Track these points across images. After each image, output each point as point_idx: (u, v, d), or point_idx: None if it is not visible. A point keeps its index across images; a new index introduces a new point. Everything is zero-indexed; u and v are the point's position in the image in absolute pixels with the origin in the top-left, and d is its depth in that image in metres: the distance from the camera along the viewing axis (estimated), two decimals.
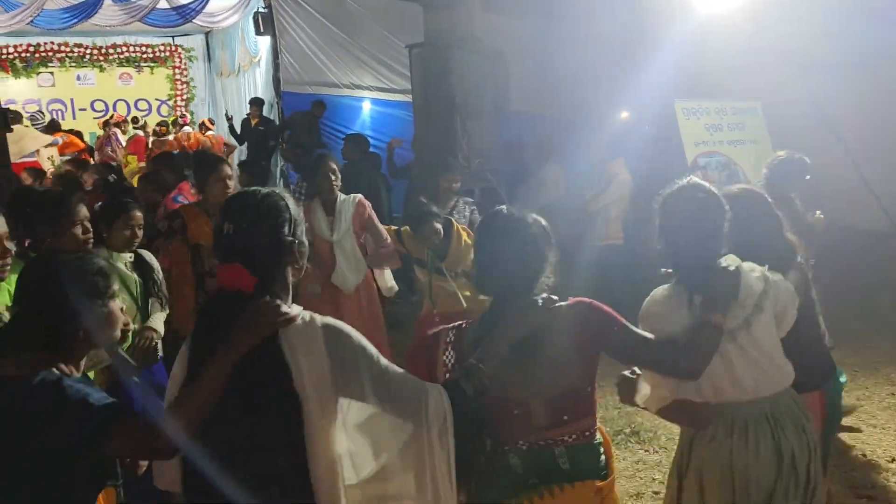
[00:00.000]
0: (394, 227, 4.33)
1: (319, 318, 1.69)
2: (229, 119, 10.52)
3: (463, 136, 6.75)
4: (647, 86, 6.08)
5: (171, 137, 11.54)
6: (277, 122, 9.81)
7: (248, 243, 1.68)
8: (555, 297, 1.91)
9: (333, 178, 4.09)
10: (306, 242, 1.77)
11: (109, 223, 3.07)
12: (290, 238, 1.72)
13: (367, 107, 10.04)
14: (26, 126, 10.66)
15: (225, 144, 11.50)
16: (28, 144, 9.26)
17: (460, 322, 2.03)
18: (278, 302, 1.66)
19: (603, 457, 1.98)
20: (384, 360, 1.72)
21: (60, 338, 1.68)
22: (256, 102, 10.01)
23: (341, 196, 4.16)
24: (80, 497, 1.67)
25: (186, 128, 11.40)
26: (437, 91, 6.75)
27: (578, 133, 6.64)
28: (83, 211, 2.91)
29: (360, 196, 4.25)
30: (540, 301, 1.89)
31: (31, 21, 9.35)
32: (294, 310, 1.67)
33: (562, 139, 7.18)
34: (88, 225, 2.91)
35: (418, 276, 4.22)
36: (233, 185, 3.68)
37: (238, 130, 10.38)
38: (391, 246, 4.22)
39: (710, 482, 2.17)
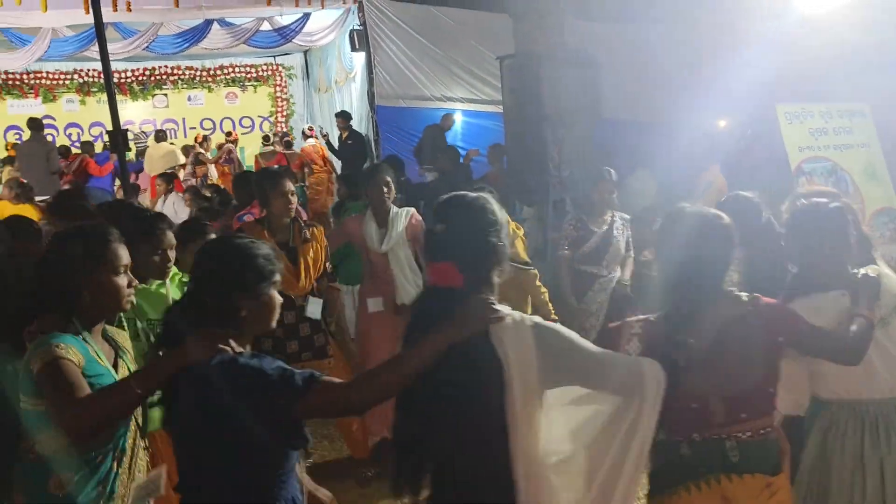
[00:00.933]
0: None
1: (529, 318, 1.80)
2: (325, 136, 10.89)
3: (554, 146, 6.75)
4: (745, 89, 5.90)
5: (278, 149, 12.04)
6: (371, 135, 10.09)
7: (459, 244, 1.80)
8: (742, 294, 2.00)
9: (386, 190, 4.03)
10: (508, 245, 1.88)
11: (184, 245, 3.11)
12: (498, 241, 1.84)
13: (458, 119, 10.19)
14: (171, 143, 11.90)
15: (323, 158, 11.94)
16: (172, 160, 10.74)
17: (646, 315, 2.12)
18: (492, 300, 1.77)
19: (776, 453, 2.02)
20: (592, 346, 1.83)
21: (231, 316, 1.79)
22: (343, 116, 10.30)
23: (394, 209, 4.12)
24: (278, 461, 1.79)
25: (311, 140, 11.76)
26: (527, 101, 6.78)
27: (670, 139, 6.50)
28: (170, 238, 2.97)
29: (413, 209, 4.23)
30: (738, 296, 2.01)
31: (147, 47, 10.03)
32: (505, 309, 1.78)
33: (653, 145, 7.06)
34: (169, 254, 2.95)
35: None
36: (295, 201, 3.70)
37: (335, 145, 10.77)
38: None
39: (839, 476, 2.27)
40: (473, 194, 1.88)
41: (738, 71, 5.96)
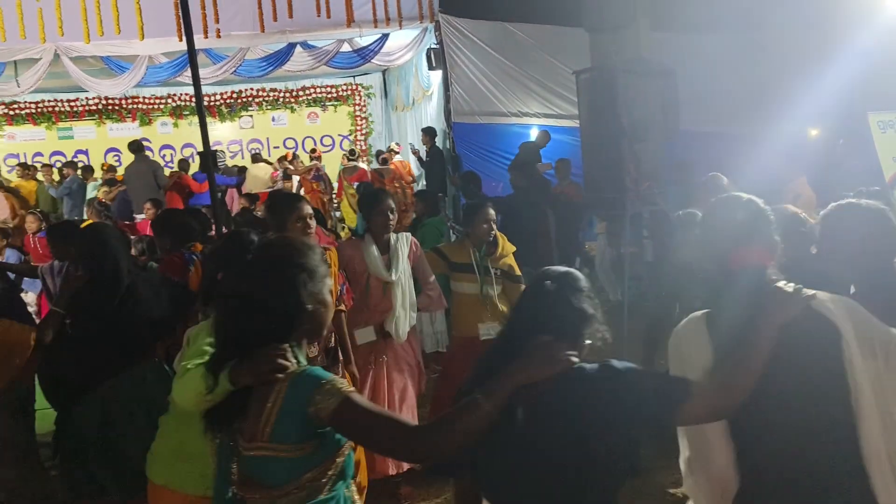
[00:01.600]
0: (430, 251, 4.32)
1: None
2: (416, 153, 11.07)
3: (631, 160, 6.65)
4: (834, 97, 5.68)
5: (363, 165, 12.34)
6: (448, 152, 10.21)
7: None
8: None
9: (391, 216, 3.95)
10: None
11: None
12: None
13: (534, 134, 10.19)
14: (268, 162, 12.85)
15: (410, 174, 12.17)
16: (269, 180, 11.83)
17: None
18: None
19: None
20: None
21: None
22: (428, 132, 10.45)
23: (394, 234, 4.03)
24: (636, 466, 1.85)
25: (398, 156, 12.05)
26: (603, 115, 6.72)
27: (754, 150, 6.32)
28: None
29: (409, 234, 4.20)
30: None
31: (235, 71, 10.47)
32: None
33: (735, 157, 6.87)
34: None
35: (458, 291, 4.22)
36: (314, 225, 3.52)
37: (422, 161, 10.98)
38: (437, 289, 4.20)
39: None
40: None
41: (826, 79, 5.75)
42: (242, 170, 12.69)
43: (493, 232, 4.24)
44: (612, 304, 7.35)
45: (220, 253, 2.81)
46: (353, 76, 14.72)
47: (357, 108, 15.32)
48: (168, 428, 2.68)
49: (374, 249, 3.93)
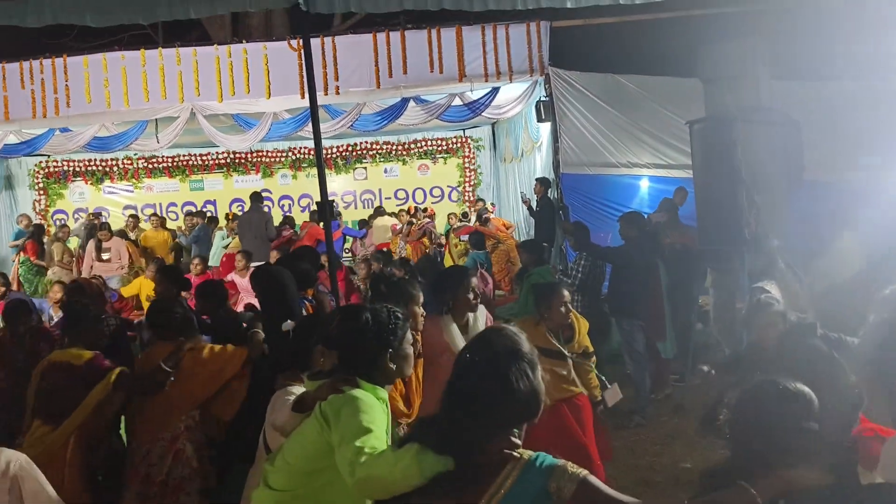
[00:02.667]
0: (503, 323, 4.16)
1: None
2: (526, 201, 11.18)
3: (750, 211, 6.41)
4: None
5: (470, 223, 12.54)
6: (556, 203, 10.19)
7: None
8: None
9: (473, 297, 3.87)
10: None
11: None
12: None
13: (644, 185, 10.02)
14: (390, 215, 13.55)
15: (505, 226, 12.26)
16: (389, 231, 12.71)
17: None
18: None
19: None
20: None
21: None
22: (542, 182, 10.47)
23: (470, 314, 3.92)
24: None
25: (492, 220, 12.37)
26: (720, 165, 6.54)
27: (878, 201, 5.94)
28: None
29: (485, 309, 4.08)
30: None
31: (351, 125, 10.97)
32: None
33: (859, 208, 6.48)
34: None
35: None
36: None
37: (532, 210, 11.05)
38: None
39: None
40: None
41: None
42: (367, 222, 13.58)
43: (570, 315, 4.12)
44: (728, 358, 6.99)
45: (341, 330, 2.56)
46: (464, 129, 15.04)
47: (466, 160, 15.61)
48: None
49: (453, 325, 3.84)
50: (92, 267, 10.77)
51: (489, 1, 6.13)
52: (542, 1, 6.24)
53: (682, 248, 7.27)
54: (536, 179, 10.68)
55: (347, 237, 13.84)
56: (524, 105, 10.99)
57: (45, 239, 11.95)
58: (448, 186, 15.71)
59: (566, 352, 4.20)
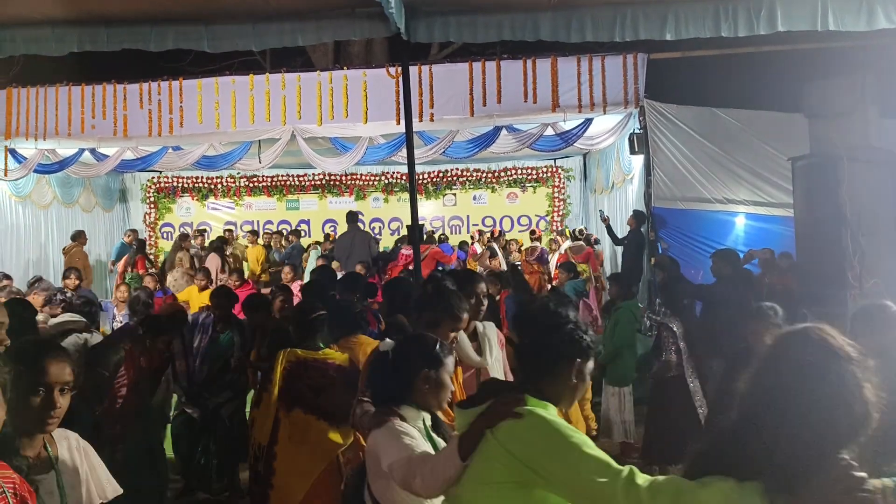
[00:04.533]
0: None
1: None
2: (605, 219, 11.00)
3: (855, 253, 6.12)
4: None
5: (586, 245, 12.48)
6: (648, 237, 10.02)
7: None
8: None
9: (484, 301, 3.71)
10: None
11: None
12: None
13: (740, 221, 9.72)
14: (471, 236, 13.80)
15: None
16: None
17: None
18: None
19: None
20: None
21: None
22: (637, 216, 10.34)
23: (479, 323, 3.72)
24: None
25: (566, 242, 12.34)
26: (824, 204, 6.29)
27: None
28: None
29: (493, 324, 3.83)
30: None
31: (444, 152, 11.15)
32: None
33: None
34: None
35: None
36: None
37: (616, 233, 10.93)
38: None
39: None
40: None
41: None
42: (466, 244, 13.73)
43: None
44: None
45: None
46: (554, 159, 15.02)
47: (556, 189, 15.55)
48: None
49: (464, 336, 3.52)
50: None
51: (587, 32, 6.16)
52: (640, 33, 6.22)
53: (782, 290, 7.00)
54: (634, 211, 10.55)
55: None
56: (617, 137, 10.88)
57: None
58: (536, 215, 15.68)
59: None
